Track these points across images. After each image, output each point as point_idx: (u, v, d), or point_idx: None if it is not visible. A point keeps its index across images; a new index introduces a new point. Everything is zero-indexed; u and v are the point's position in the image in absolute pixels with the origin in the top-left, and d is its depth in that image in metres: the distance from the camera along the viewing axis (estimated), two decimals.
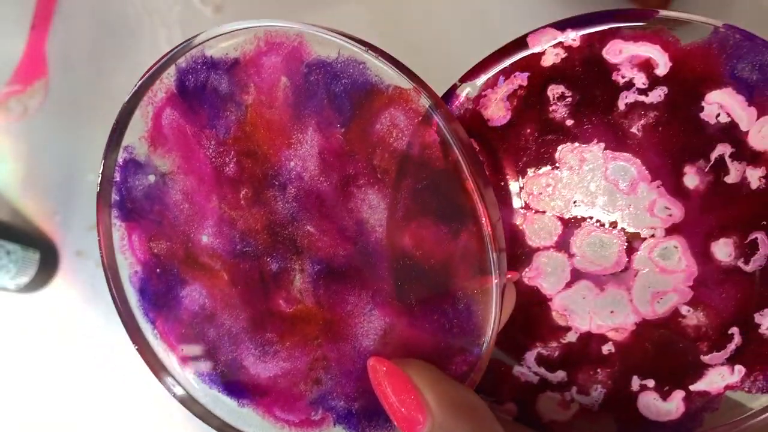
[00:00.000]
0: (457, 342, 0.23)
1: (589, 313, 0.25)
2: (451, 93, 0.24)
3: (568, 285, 0.25)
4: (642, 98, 0.23)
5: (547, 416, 0.26)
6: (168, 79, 0.25)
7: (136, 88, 0.26)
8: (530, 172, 0.24)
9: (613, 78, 0.23)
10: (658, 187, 0.23)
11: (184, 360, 0.28)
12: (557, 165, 0.24)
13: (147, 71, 0.25)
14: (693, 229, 0.23)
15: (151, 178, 0.27)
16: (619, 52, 0.23)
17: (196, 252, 0.27)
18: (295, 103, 0.23)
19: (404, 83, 0.22)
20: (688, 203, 0.23)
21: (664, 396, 0.25)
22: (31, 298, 0.43)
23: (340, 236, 0.24)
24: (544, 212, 0.24)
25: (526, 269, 0.25)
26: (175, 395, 0.28)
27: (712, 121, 0.22)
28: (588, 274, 0.25)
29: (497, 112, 0.24)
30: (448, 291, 0.23)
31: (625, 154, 0.23)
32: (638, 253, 0.24)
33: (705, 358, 0.24)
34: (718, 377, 0.24)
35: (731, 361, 0.24)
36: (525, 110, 0.24)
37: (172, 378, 0.28)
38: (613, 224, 0.24)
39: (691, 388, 0.25)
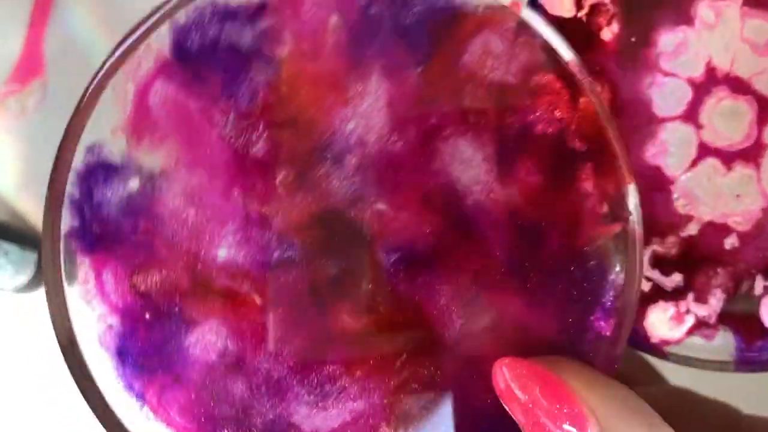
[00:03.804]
0: (588, 312, 0.19)
1: (713, 198, 0.23)
2: None
3: (694, 163, 0.23)
4: None
5: (657, 334, 0.23)
6: (158, 41, 0.19)
7: (111, 61, 0.19)
8: (664, 27, 0.22)
9: None
10: None
11: None
12: (693, 20, 0.22)
13: (124, 37, 0.19)
14: None
15: (133, 183, 0.19)
16: None
17: (210, 275, 0.19)
18: (351, 47, 0.19)
19: None
20: None
21: None
22: (29, 299, 0.41)
23: (424, 208, 0.19)
24: (675, 75, 0.22)
25: (649, 144, 0.22)
26: None
27: None
28: (715, 149, 0.23)
29: None
30: (575, 248, 0.19)
31: (763, 11, 0.22)
32: None
33: None
34: None
35: None
36: None
37: None
38: (747, 89, 0.22)
39: None
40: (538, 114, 0.18)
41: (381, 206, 0.19)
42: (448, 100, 0.19)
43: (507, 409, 0.18)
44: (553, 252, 0.19)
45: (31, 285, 0.40)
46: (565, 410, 0.17)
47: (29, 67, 0.40)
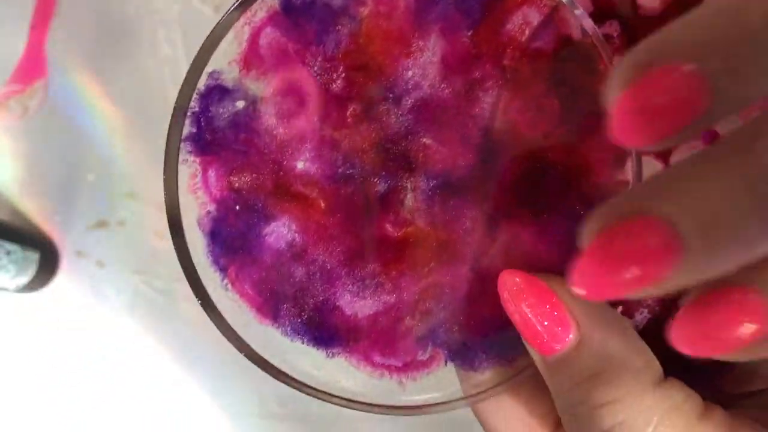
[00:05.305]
0: None
1: None
2: None
3: None
4: None
5: None
6: None
7: (233, 7, 0.25)
8: None
9: None
10: None
11: (260, 309, 0.25)
12: None
13: None
14: None
15: (240, 104, 0.25)
16: None
17: (289, 181, 0.25)
18: (418, 11, 0.23)
19: None
20: None
21: None
22: (30, 299, 0.42)
23: (461, 146, 0.23)
24: None
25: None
26: (246, 355, 0.25)
27: None
28: None
29: (652, 1, 0.24)
30: (582, 191, 0.22)
31: None
32: None
33: None
34: None
35: None
36: (678, 8, 0.23)
37: (239, 340, 0.25)
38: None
39: None
40: (564, 75, 0.22)
41: (427, 140, 0.24)
42: (490, 59, 0.23)
43: (509, 315, 0.22)
44: (564, 193, 0.23)
45: (33, 285, 0.40)
46: (554, 314, 0.21)
47: (31, 68, 0.40)
